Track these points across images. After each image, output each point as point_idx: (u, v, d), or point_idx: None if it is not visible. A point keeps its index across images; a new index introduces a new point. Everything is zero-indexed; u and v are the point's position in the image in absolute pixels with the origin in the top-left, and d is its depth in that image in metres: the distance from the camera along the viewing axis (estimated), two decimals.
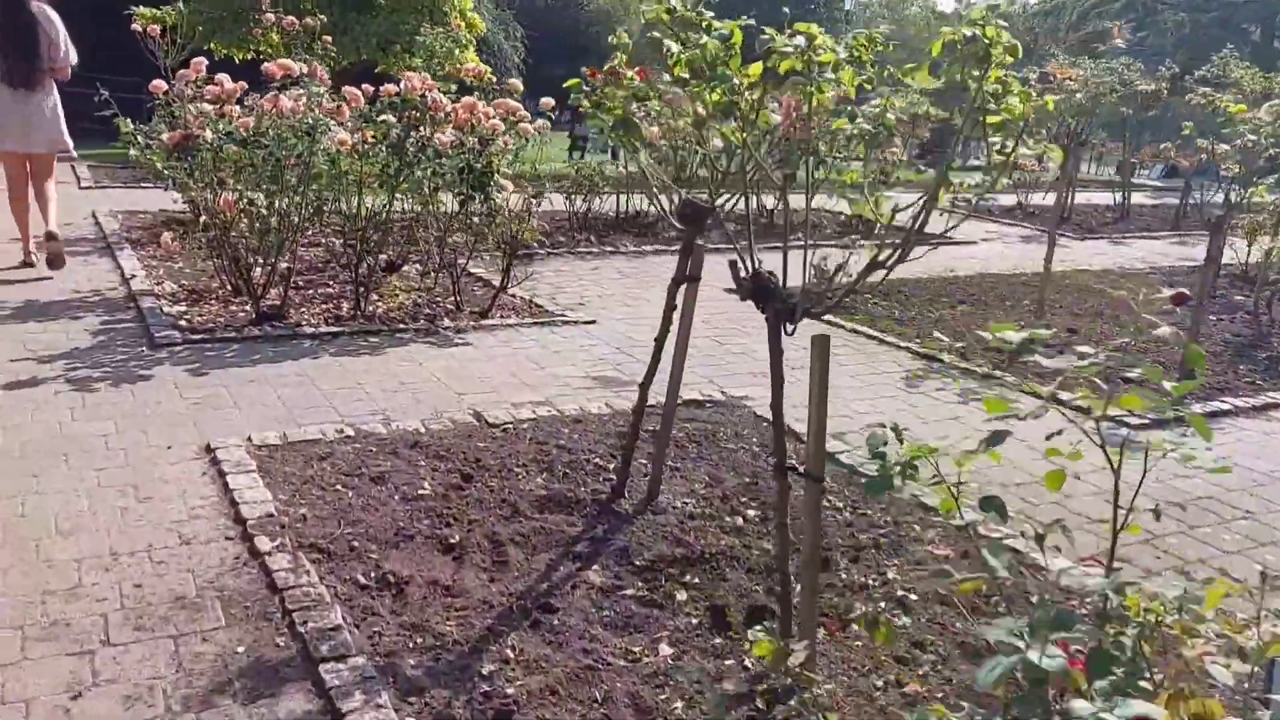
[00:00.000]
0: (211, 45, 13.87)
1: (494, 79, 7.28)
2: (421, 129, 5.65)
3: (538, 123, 6.16)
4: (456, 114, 5.72)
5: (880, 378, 5.30)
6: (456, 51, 14.27)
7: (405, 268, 6.70)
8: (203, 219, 5.78)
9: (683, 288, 3.27)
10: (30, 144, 6.32)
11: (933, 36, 2.18)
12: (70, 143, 6.86)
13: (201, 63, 7.17)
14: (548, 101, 6.81)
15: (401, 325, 5.64)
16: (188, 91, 7.24)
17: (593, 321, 6.09)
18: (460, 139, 5.78)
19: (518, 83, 6.66)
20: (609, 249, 8.67)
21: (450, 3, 13.88)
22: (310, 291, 6.30)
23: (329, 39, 11.01)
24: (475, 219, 6.22)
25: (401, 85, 5.74)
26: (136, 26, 10.34)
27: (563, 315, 6.18)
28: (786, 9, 2.96)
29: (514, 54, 25.14)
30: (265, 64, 7.07)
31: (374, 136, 5.65)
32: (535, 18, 37.67)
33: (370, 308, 5.90)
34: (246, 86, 6.29)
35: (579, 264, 8.00)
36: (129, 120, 6.78)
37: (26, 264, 6.47)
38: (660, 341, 3.35)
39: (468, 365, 5.01)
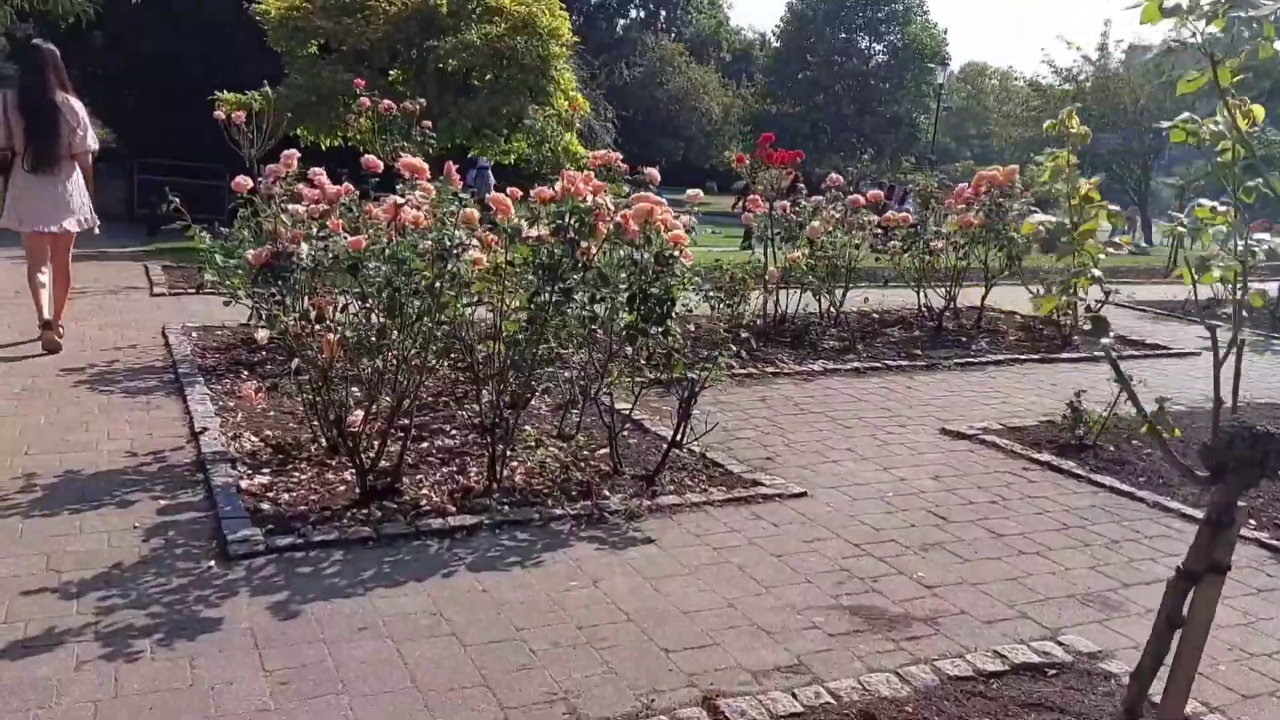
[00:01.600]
0: (298, 131, 12.94)
1: (624, 166, 5.94)
2: (582, 244, 4.24)
3: (684, 219, 4.72)
4: (626, 223, 4.30)
5: None
6: (565, 135, 13.14)
7: (533, 400, 5.28)
8: (295, 362, 4.41)
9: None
10: (51, 224, 6.56)
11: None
12: (95, 220, 7.03)
13: (293, 156, 5.95)
14: (696, 194, 5.44)
15: (554, 506, 4.16)
16: (276, 190, 6.00)
17: (802, 494, 4.54)
18: (632, 256, 4.37)
19: (654, 171, 5.28)
20: (768, 368, 7.16)
21: (555, 81, 12.75)
22: (425, 444, 4.88)
23: (429, 124, 9.82)
24: (645, 357, 4.78)
25: (557, 186, 4.33)
26: (220, 114, 9.28)
27: (755, 481, 4.65)
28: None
29: (605, 134, 24.20)
30: (365, 156, 5.84)
31: (521, 256, 4.26)
32: (619, 98, 37.10)
33: (506, 471, 4.46)
34: (353, 190, 4.97)
35: (739, 391, 6.50)
36: (203, 233, 5.56)
37: (48, 329, 6.49)
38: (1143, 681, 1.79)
39: (662, 587, 3.49)
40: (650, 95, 45.99)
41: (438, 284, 4.05)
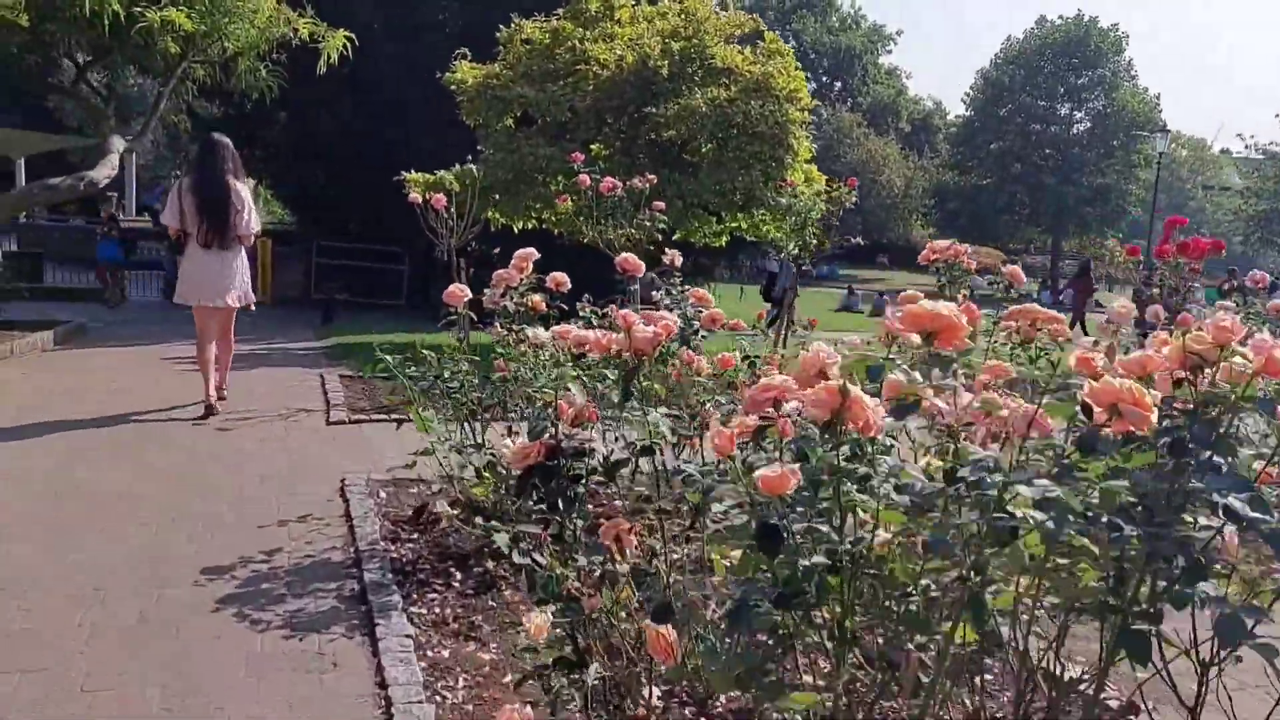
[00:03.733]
0: (489, 214, 11.31)
1: None
2: None
3: None
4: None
5: None
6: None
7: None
8: (593, 666, 2.32)
9: None
10: (217, 299, 6.96)
11: None
12: (254, 297, 7.45)
13: (528, 257, 4.08)
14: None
15: None
16: (507, 303, 4.14)
17: None
18: None
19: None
20: None
21: (793, 151, 10.72)
22: None
23: (661, 206, 7.85)
24: None
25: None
26: (415, 197, 7.58)
27: None
28: None
29: None
30: (623, 256, 3.94)
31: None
32: None
33: None
34: (672, 329, 2.93)
35: None
36: (417, 390, 3.69)
37: (210, 411, 6.86)
38: None
39: None
40: (828, 168, 43.99)
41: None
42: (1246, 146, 32.12)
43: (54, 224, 24.44)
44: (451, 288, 4.49)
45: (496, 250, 19.19)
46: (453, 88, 11.64)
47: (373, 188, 17.33)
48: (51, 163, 19.91)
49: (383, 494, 5.24)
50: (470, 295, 4.53)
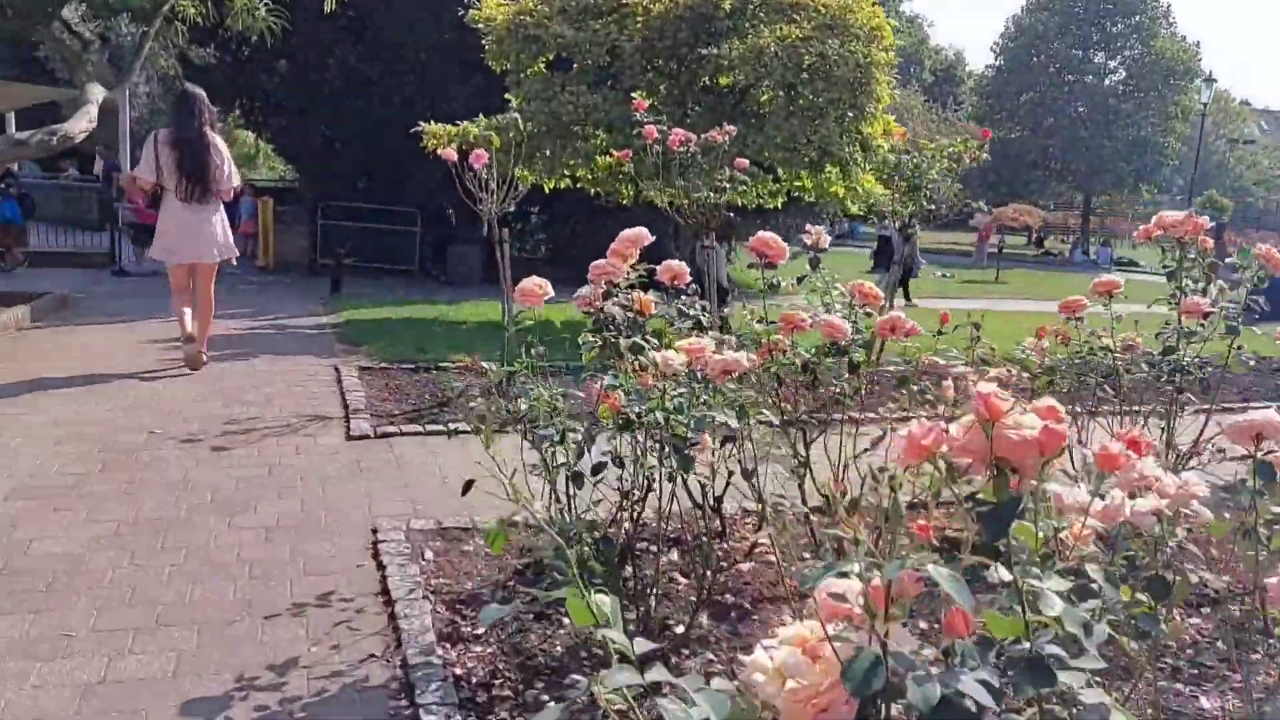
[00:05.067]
0: (521, 172, 9.88)
1: None
2: None
3: None
4: None
5: None
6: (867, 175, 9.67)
7: None
8: None
9: None
10: (198, 254, 6.78)
11: None
12: (235, 251, 7.20)
13: (637, 240, 2.67)
14: None
15: None
16: (613, 309, 2.80)
17: None
18: None
19: None
20: None
21: (877, 100, 9.27)
22: None
23: (745, 164, 6.48)
24: None
25: None
26: (449, 153, 6.22)
27: None
28: None
29: None
30: (760, 235, 2.52)
31: None
32: None
33: None
34: None
35: None
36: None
37: (193, 362, 6.85)
38: None
39: None
40: None
41: None
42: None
43: (46, 181, 22.90)
44: (526, 284, 3.20)
45: (535, 212, 17.95)
46: (479, 25, 10.16)
47: (383, 142, 15.88)
48: (48, 117, 18.35)
49: (428, 553, 3.92)
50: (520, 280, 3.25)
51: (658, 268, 3.35)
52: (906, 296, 16.94)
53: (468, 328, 10.27)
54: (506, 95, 10.58)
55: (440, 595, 3.55)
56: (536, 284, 3.23)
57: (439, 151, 6.25)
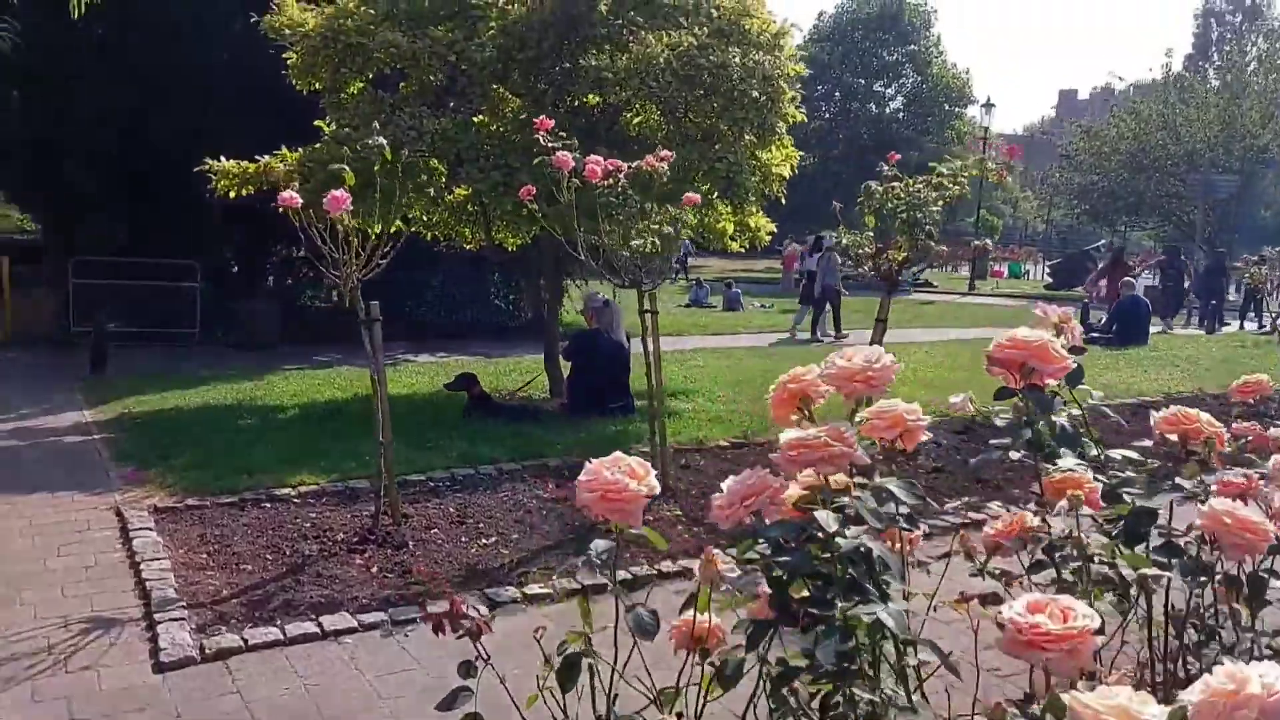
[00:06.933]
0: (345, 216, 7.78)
1: None
2: None
3: None
4: None
5: None
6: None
7: None
8: None
9: None
10: None
11: None
12: None
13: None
14: None
15: None
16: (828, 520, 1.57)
17: None
18: None
19: None
20: None
21: (786, 120, 7.84)
22: None
23: (696, 198, 4.92)
24: None
25: None
26: (290, 197, 4.21)
27: None
28: None
29: None
30: None
31: None
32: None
33: None
34: None
35: None
36: None
37: None
38: None
39: None
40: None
41: None
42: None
43: None
44: (615, 475, 1.37)
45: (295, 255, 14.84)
46: (280, 36, 8.01)
47: (149, 184, 13.14)
48: None
49: None
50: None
51: None
52: (837, 328, 15.92)
53: (289, 416, 8.02)
54: (318, 122, 8.43)
55: None
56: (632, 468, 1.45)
57: (281, 198, 4.22)
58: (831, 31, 42.54)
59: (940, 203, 4.91)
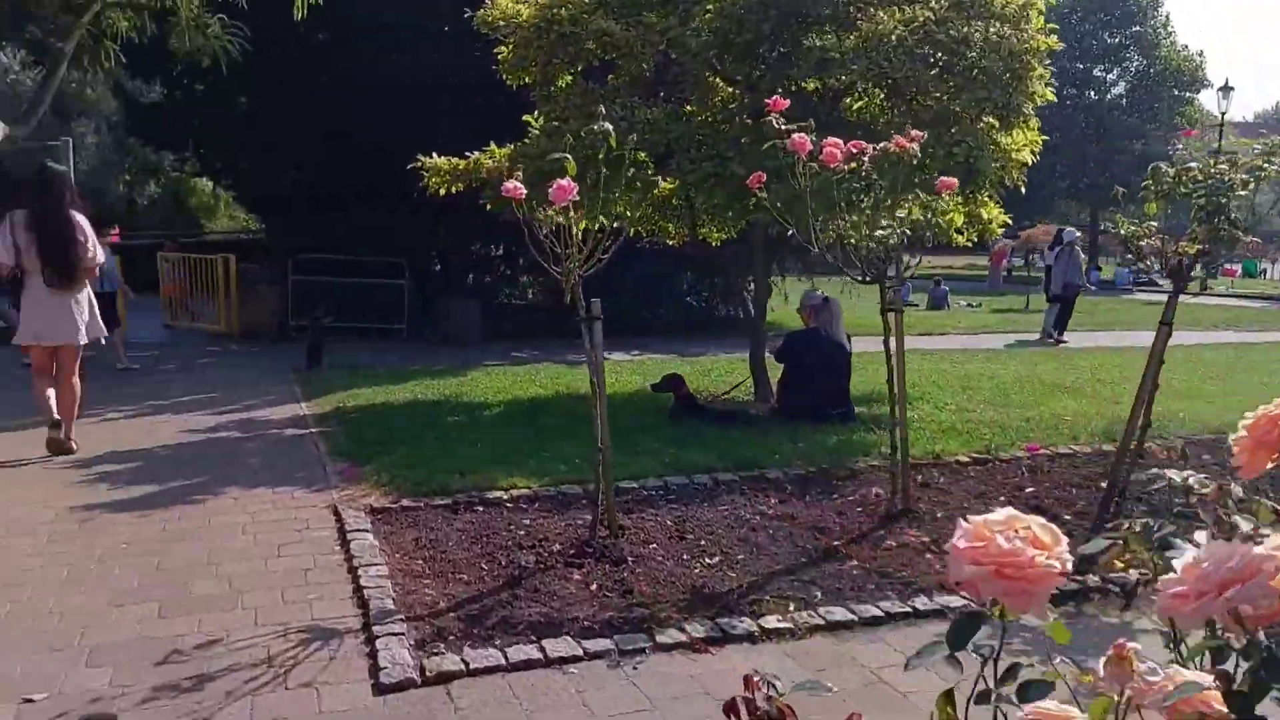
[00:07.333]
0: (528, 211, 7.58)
1: None
2: None
3: None
4: None
5: None
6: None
7: None
8: None
9: None
10: (66, 338, 6.46)
11: None
12: (103, 330, 6.84)
13: None
14: None
15: None
16: None
17: None
18: None
19: None
20: None
21: (1032, 99, 7.10)
22: None
23: (952, 183, 4.23)
24: None
25: None
26: (514, 187, 3.92)
27: None
28: None
29: None
30: None
31: None
32: None
33: None
34: None
35: None
36: None
37: (61, 446, 6.34)
38: None
39: None
40: None
41: None
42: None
43: None
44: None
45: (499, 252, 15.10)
46: (493, 29, 7.91)
47: (365, 183, 13.55)
48: None
49: None
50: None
51: None
52: (1060, 329, 14.79)
53: (494, 413, 7.93)
54: (525, 117, 8.31)
55: None
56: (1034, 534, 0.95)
57: (505, 188, 3.98)
58: (1044, 13, 40.04)
59: (1252, 185, 4.13)
